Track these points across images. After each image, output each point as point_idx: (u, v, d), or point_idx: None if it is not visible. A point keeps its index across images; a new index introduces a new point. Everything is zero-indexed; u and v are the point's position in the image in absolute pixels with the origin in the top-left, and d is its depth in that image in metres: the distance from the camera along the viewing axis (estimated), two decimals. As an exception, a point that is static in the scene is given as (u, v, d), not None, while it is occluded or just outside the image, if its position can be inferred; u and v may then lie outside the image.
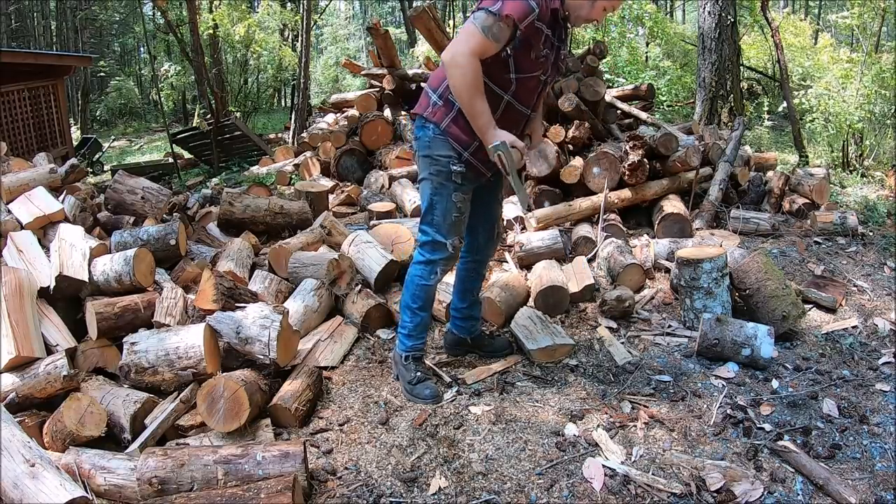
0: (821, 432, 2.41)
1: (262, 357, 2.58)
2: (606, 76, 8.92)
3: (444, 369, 2.87)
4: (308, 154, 6.96)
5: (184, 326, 2.69)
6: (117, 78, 22.25)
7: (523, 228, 4.68)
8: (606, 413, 2.51)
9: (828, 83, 7.36)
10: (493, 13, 2.18)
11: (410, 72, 6.92)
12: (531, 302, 3.53)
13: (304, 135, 7.89)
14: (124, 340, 2.66)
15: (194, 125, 12.16)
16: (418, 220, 4.22)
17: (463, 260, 2.85)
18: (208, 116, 11.01)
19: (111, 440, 2.41)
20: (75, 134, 13.95)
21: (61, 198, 3.66)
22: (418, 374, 2.65)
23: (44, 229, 3.42)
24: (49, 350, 2.70)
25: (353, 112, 7.40)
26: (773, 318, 3.09)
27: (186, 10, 11.21)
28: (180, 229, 3.56)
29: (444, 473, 2.16)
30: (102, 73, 22.50)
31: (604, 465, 2.17)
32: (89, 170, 10.81)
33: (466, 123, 2.35)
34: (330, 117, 8.22)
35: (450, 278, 3.84)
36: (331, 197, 5.49)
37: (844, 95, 7.02)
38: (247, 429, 2.36)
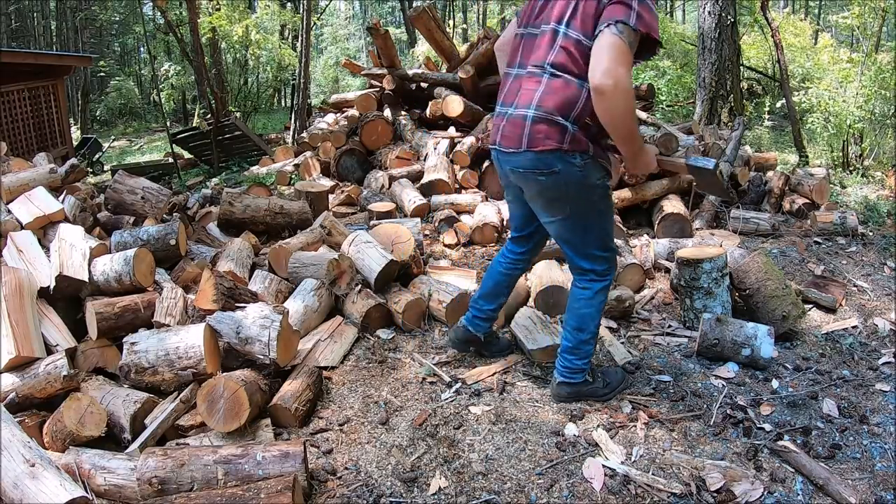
0: (821, 432, 2.41)
1: (262, 357, 2.58)
2: (606, 76, 8.88)
3: (444, 369, 2.87)
4: (308, 154, 6.95)
5: (184, 326, 2.69)
6: (117, 78, 22.26)
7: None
8: (606, 413, 2.51)
9: (828, 83, 7.36)
10: (634, 29, 2.00)
11: (410, 72, 6.91)
12: (531, 302, 3.53)
13: (304, 135, 7.89)
14: (124, 340, 2.66)
15: (194, 125, 12.16)
16: (416, 219, 4.19)
17: (511, 262, 2.74)
18: (208, 116, 11.01)
19: (111, 440, 2.41)
20: (75, 134, 13.96)
21: (61, 198, 3.66)
22: (598, 373, 2.62)
23: (44, 229, 3.42)
24: (49, 350, 2.70)
25: (353, 112, 7.39)
26: (773, 318, 3.09)
27: (186, 11, 11.21)
28: (180, 229, 3.56)
29: (444, 473, 2.16)
30: (102, 73, 22.51)
31: (604, 465, 2.18)
32: (89, 170, 10.82)
33: (598, 138, 2.25)
34: (330, 117, 8.21)
35: (447, 277, 3.84)
36: (331, 197, 5.48)
37: (844, 95, 7.01)
38: (247, 429, 2.36)
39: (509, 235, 2.78)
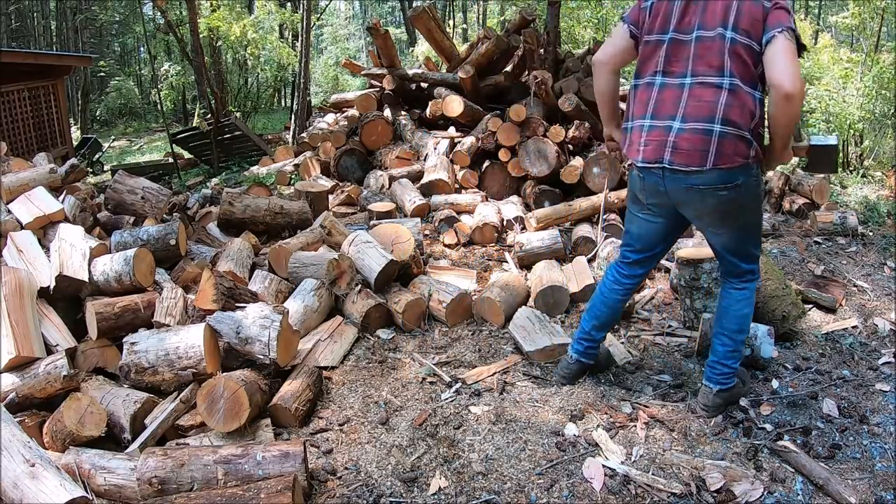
0: (821, 432, 2.41)
1: (262, 357, 2.58)
2: (606, 76, 8.89)
3: (444, 369, 2.87)
4: (308, 154, 6.95)
5: (184, 326, 2.69)
6: (117, 78, 22.24)
7: (523, 228, 4.68)
8: (606, 413, 2.51)
9: (828, 83, 7.36)
10: (796, 35, 2.06)
11: (410, 72, 6.91)
12: (531, 302, 3.53)
13: (304, 135, 7.89)
14: (124, 340, 2.66)
15: (194, 125, 12.16)
16: (416, 219, 4.17)
17: (628, 288, 2.59)
18: (208, 116, 11.01)
19: (111, 440, 2.41)
20: (75, 134, 13.95)
21: (61, 198, 3.66)
22: (741, 380, 2.59)
23: (44, 229, 3.42)
24: (49, 350, 2.70)
25: (353, 112, 7.39)
26: (773, 318, 3.09)
27: (186, 11, 11.21)
28: (180, 229, 3.56)
29: (444, 473, 2.16)
30: (102, 73, 22.49)
31: (604, 465, 2.17)
32: (89, 170, 10.81)
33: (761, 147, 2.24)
34: (330, 117, 8.21)
35: (447, 277, 3.83)
36: (331, 197, 5.49)
37: (844, 95, 7.02)
38: (247, 429, 2.36)
39: (625, 259, 2.57)
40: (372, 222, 4.36)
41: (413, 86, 6.99)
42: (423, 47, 15.26)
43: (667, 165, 2.19)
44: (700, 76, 2.14)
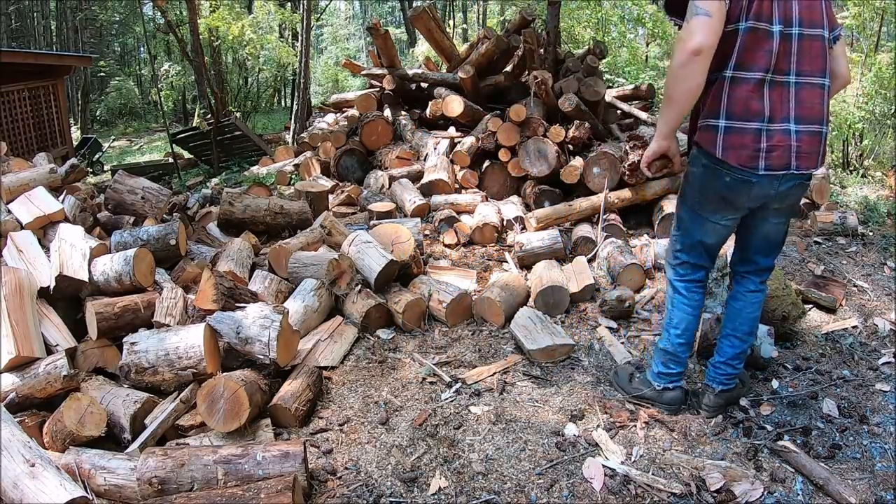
0: (821, 432, 2.41)
1: (262, 357, 2.58)
2: (606, 76, 8.91)
3: (444, 369, 2.87)
4: (308, 154, 6.95)
5: (184, 326, 2.69)
6: (117, 78, 22.25)
7: (523, 228, 4.68)
8: (606, 413, 2.51)
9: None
10: None
11: (410, 72, 6.91)
12: (531, 302, 3.53)
13: (304, 135, 7.88)
14: (124, 340, 2.66)
15: (194, 125, 12.15)
16: (416, 219, 4.16)
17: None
18: (208, 116, 11.01)
19: (111, 440, 2.41)
20: (75, 134, 13.95)
21: (61, 198, 3.66)
22: (741, 381, 2.65)
23: (44, 229, 3.42)
24: (49, 350, 2.70)
25: (353, 112, 7.39)
26: (773, 318, 3.09)
27: (186, 11, 11.21)
28: (180, 229, 3.56)
29: (444, 473, 2.16)
30: (102, 73, 22.48)
31: (604, 465, 2.18)
32: (89, 170, 10.81)
33: None
34: (330, 117, 8.21)
35: (447, 277, 3.82)
36: (331, 197, 5.48)
37: (844, 95, 7.01)
38: (247, 429, 2.36)
39: (704, 271, 2.46)
40: (372, 222, 4.36)
41: (413, 86, 6.99)
42: (423, 47, 15.27)
43: (794, 171, 2.09)
44: (806, 76, 2.05)
